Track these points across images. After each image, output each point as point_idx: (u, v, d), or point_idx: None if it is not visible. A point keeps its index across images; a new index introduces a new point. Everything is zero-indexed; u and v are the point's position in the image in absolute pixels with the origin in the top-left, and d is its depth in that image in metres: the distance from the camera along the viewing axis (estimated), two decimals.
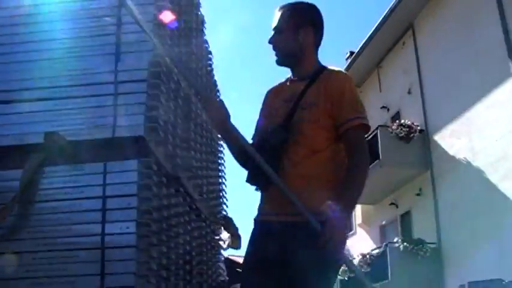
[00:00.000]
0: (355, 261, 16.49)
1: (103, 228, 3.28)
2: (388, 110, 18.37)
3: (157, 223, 3.44)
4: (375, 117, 18.33)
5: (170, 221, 3.75)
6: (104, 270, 3.19)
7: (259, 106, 3.01)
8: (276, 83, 3.03)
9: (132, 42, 3.67)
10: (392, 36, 17.96)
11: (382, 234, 17.95)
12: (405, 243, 15.06)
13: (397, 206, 17.26)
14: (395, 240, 15.50)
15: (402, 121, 16.31)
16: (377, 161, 16.10)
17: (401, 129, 16.17)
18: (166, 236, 3.62)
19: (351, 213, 2.57)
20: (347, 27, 46.58)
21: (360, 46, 18.74)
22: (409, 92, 17.30)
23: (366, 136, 2.81)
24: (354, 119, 2.69)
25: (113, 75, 3.60)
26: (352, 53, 20.54)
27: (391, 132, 16.25)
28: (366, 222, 19.08)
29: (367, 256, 16.24)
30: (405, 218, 17.11)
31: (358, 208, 19.58)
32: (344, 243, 2.49)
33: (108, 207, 3.33)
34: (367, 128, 2.76)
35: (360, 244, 18.78)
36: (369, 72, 19.86)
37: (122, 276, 3.14)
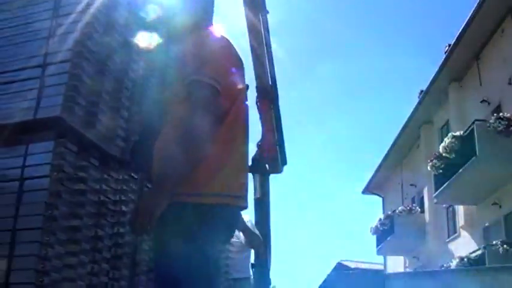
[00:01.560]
0: (453, 265, 15.54)
1: (17, 211, 3.24)
2: (488, 103, 17.16)
3: (73, 206, 3.35)
4: (475, 113, 17.24)
5: (106, 206, 3.65)
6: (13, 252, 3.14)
7: None
8: None
9: (62, 25, 3.63)
10: (490, 23, 16.78)
11: (486, 236, 16.72)
12: (505, 246, 13.94)
13: (500, 206, 16.05)
14: (494, 242, 14.40)
15: (500, 114, 15.18)
16: (474, 158, 15.11)
17: (499, 122, 15.04)
18: (93, 220, 3.53)
19: (161, 188, 2.24)
20: (445, 18, 44.16)
21: (456, 37, 17.68)
22: (509, 83, 16.07)
23: (208, 96, 2.32)
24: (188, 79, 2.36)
25: (41, 59, 3.57)
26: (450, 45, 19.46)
27: (489, 127, 15.16)
28: (469, 224, 17.90)
29: (465, 260, 15.22)
30: (509, 219, 15.85)
31: (460, 209, 18.46)
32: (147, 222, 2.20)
33: (25, 189, 3.29)
34: (203, 85, 2.32)
35: (463, 247, 17.68)
36: (467, 65, 18.69)
37: (26, 258, 3.09)
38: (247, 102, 2.79)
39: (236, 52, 2.68)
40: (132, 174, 3.88)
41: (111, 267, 3.63)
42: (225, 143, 2.46)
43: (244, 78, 2.75)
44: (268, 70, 10.47)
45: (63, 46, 3.53)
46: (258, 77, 10.52)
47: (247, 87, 2.83)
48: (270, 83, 10.66)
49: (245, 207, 2.69)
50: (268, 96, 10.44)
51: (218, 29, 2.74)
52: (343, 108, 47.50)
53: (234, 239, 5.80)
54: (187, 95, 2.35)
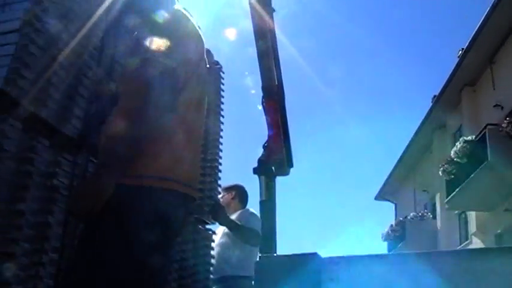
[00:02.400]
0: None
1: None
2: (502, 108, 16.73)
3: (15, 189, 3.06)
4: (488, 117, 16.81)
5: (58, 191, 3.34)
6: None
7: None
8: None
9: None
10: (505, 26, 16.38)
11: (499, 244, 16.27)
12: None
13: None
14: None
15: None
16: (485, 162, 14.71)
17: None
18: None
19: (110, 167, 2.08)
20: (458, 23, 43.71)
21: (469, 41, 17.29)
22: None
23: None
24: None
25: None
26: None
27: (501, 131, 14.75)
28: (481, 231, 17.46)
29: None
30: None
31: (472, 215, 18.00)
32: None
33: None
34: (155, 64, 2.16)
35: None
36: (481, 69, 18.27)
37: None
38: (206, 79, 2.59)
39: (194, 26, 2.48)
40: (91, 158, 3.57)
41: (60, 257, 3.32)
42: (177, 123, 2.25)
43: (202, 53, 2.54)
44: (274, 69, 10.11)
45: (12, 15, 3.25)
46: (263, 75, 10.17)
47: (207, 63, 2.65)
48: (276, 82, 10.30)
49: (194, 198, 2.43)
50: (274, 97, 10.08)
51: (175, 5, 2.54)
52: (355, 112, 47.04)
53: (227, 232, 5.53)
54: (138, 74, 2.19)
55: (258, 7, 9.72)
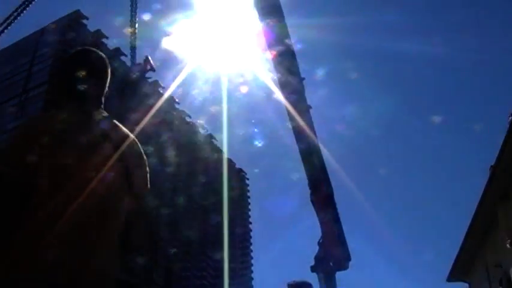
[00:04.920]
0: None
1: None
2: None
3: None
4: None
5: None
6: None
7: None
8: None
9: None
10: None
11: None
12: None
13: None
14: None
15: None
16: None
17: None
18: None
19: None
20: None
21: None
22: None
23: None
24: None
25: None
26: None
27: None
28: None
29: None
30: None
31: None
32: None
33: None
34: None
35: None
36: None
37: None
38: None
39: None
40: None
41: None
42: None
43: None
44: (318, 164, 10.08)
45: None
46: (308, 173, 10.15)
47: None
48: (322, 178, 10.21)
49: None
50: (321, 192, 9.98)
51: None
52: (413, 193, 46.14)
53: None
54: None
55: (293, 111, 9.83)
